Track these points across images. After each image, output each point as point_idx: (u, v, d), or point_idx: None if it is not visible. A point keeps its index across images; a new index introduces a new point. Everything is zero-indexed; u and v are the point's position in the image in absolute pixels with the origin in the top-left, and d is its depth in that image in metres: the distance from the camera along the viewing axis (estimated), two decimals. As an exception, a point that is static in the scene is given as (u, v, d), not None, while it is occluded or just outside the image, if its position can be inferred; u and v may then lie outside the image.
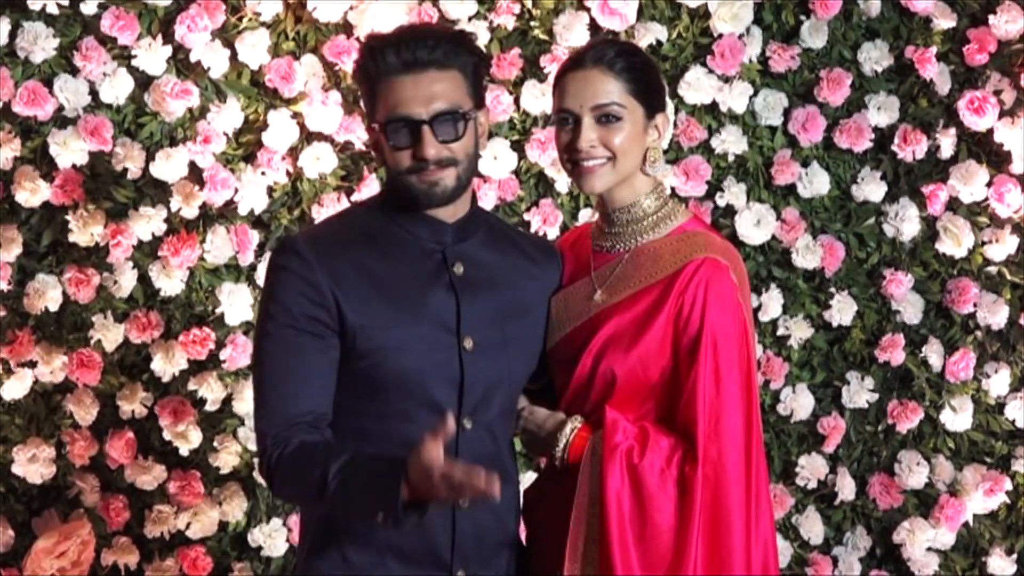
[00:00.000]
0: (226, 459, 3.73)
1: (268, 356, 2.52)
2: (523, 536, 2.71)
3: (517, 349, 2.62)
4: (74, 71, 3.66)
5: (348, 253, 2.54)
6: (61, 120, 3.67)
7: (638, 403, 2.58)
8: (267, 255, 3.67)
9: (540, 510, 2.71)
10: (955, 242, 3.93)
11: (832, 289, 3.92)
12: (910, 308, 3.95)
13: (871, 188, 3.92)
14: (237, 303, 3.70)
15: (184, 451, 3.71)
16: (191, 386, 3.71)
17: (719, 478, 2.50)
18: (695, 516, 2.49)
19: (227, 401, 3.72)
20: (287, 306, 2.50)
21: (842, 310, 3.91)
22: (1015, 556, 4.02)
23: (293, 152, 3.72)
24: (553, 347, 2.65)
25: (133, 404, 3.70)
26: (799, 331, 3.89)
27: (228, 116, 3.68)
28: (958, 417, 3.97)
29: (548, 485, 2.70)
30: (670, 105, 2.88)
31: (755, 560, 2.51)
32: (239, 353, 3.69)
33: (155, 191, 3.71)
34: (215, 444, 3.72)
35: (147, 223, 3.67)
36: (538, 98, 3.74)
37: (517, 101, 3.75)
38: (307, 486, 2.42)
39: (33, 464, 3.69)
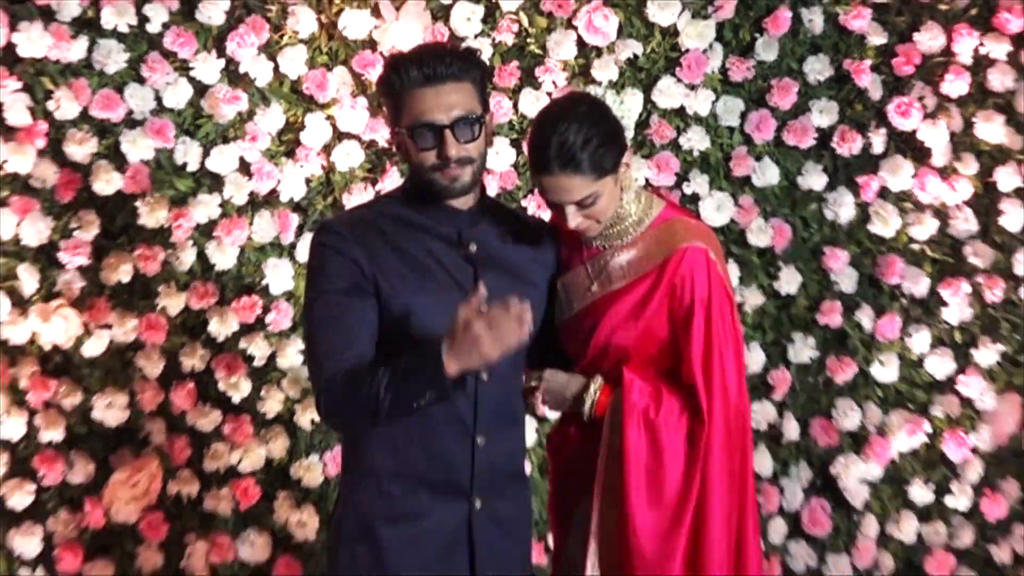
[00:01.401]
0: (271, 406, 3.86)
1: (317, 319, 2.57)
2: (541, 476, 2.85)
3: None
4: (141, 80, 3.81)
5: (379, 232, 2.63)
6: (131, 122, 3.82)
7: (646, 366, 2.70)
8: (306, 235, 3.79)
9: (564, 452, 2.83)
10: (884, 224, 4.06)
11: (780, 263, 4.06)
12: (846, 279, 4.08)
13: (814, 179, 4.04)
14: (280, 275, 3.82)
15: (236, 399, 3.84)
16: (242, 345, 3.84)
17: (719, 431, 2.63)
18: (699, 464, 2.62)
19: (272, 357, 3.86)
20: (330, 275, 2.58)
21: (789, 281, 4.05)
22: (933, 486, 4.18)
23: (327, 149, 3.86)
24: (564, 323, 2.77)
25: (193, 360, 3.84)
26: (752, 298, 4.04)
27: (272, 118, 3.82)
28: (886, 370, 4.10)
29: (570, 430, 2.80)
30: (628, 129, 2.81)
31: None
32: (282, 317, 3.82)
33: (211, 181, 3.84)
34: (262, 393, 3.86)
35: (204, 208, 3.81)
36: (533, 103, 3.88)
37: (516, 105, 3.91)
38: (360, 396, 2.45)
39: (110, 410, 3.84)
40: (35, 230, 3.82)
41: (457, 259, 2.66)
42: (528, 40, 3.95)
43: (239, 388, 3.87)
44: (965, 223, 4.13)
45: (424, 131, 2.57)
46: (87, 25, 3.82)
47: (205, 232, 3.85)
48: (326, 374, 2.53)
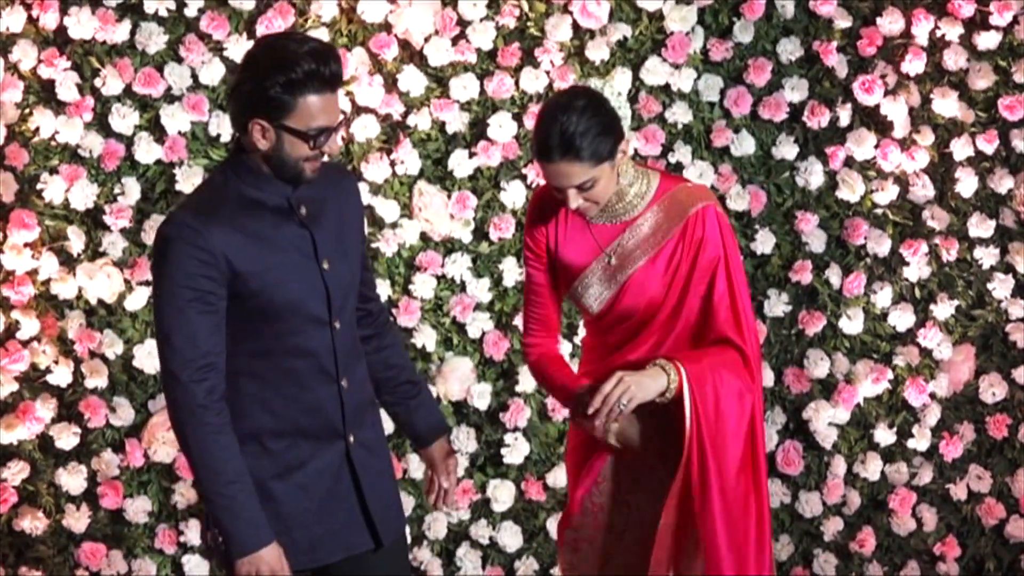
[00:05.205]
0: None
1: (169, 310, 2.61)
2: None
3: (352, 256, 2.80)
4: (179, 60, 3.94)
5: (224, 216, 2.63)
6: (170, 97, 3.95)
7: (673, 315, 2.85)
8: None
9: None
10: (850, 190, 4.19)
11: (756, 226, 4.18)
12: (816, 240, 4.20)
13: (787, 149, 4.17)
14: (306, 238, 3.92)
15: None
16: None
17: (755, 358, 2.85)
18: (755, 389, 2.83)
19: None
20: (181, 271, 2.59)
21: (764, 242, 4.17)
22: (895, 429, 4.32)
23: (346, 122, 3.93)
24: (604, 308, 2.88)
25: (227, 312, 3.95)
26: (731, 258, 4.17)
27: (297, 94, 3.95)
28: (852, 323, 4.22)
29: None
30: (627, 119, 2.81)
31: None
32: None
33: (241, 151, 4.05)
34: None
35: (236, 175, 3.95)
36: (533, 80, 4.03)
37: (517, 83, 4.05)
38: (201, 462, 2.61)
39: (149, 358, 3.95)
40: (82, 195, 3.97)
41: (292, 226, 2.69)
42: (528, 23, 4.08)
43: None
44: (923, 189, 4.29)
45: (324, 132, 2.62)
46: (131, 9, 3.97)
47: (237, 197, 4.00)
48: (184, 376, 2.60)
